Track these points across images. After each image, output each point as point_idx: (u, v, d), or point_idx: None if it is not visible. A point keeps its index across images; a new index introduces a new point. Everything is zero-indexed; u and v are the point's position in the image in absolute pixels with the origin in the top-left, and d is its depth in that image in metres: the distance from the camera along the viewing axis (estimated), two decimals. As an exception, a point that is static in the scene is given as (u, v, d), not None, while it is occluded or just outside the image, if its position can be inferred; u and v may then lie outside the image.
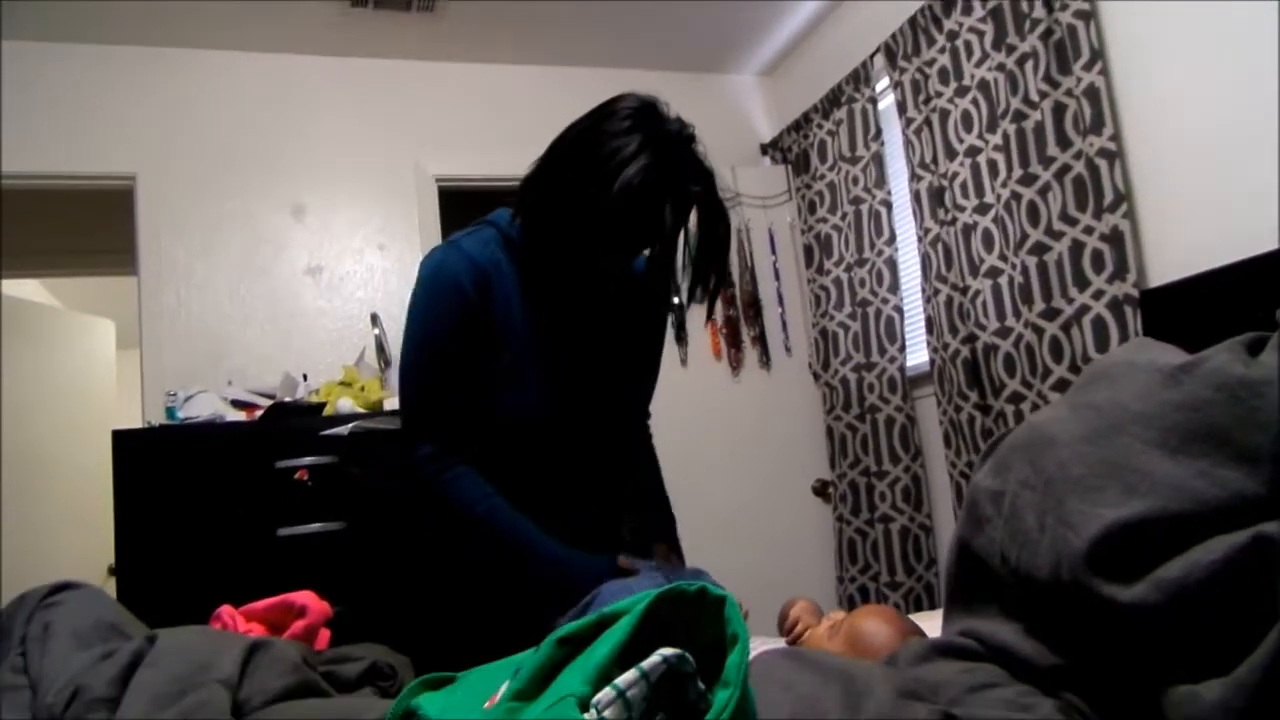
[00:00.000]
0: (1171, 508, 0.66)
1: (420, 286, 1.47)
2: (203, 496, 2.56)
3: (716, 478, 3.46)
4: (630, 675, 0.61)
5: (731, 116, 4.06)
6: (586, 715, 0.59)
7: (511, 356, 1.46)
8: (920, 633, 1.19)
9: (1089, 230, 2.38)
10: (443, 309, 1.44)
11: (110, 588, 2.90)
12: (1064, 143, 2.44)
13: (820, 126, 3.59)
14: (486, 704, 0.69)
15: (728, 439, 3.55)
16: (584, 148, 1.33)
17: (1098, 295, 2.34)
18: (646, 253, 1.43)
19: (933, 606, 3.09)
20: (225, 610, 1.37)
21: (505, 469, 1.48)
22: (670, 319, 3.51)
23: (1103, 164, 2.32)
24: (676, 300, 1.45)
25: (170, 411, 2.87)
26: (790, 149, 3.84)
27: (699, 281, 1.39)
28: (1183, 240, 2.23)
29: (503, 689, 0.68)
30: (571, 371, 1.51)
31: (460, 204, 3.21)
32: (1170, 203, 2.26)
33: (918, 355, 3.22)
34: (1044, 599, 0.73)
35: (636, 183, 1.26)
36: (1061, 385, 2.47)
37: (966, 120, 2.78)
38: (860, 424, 3.37)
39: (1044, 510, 0.73)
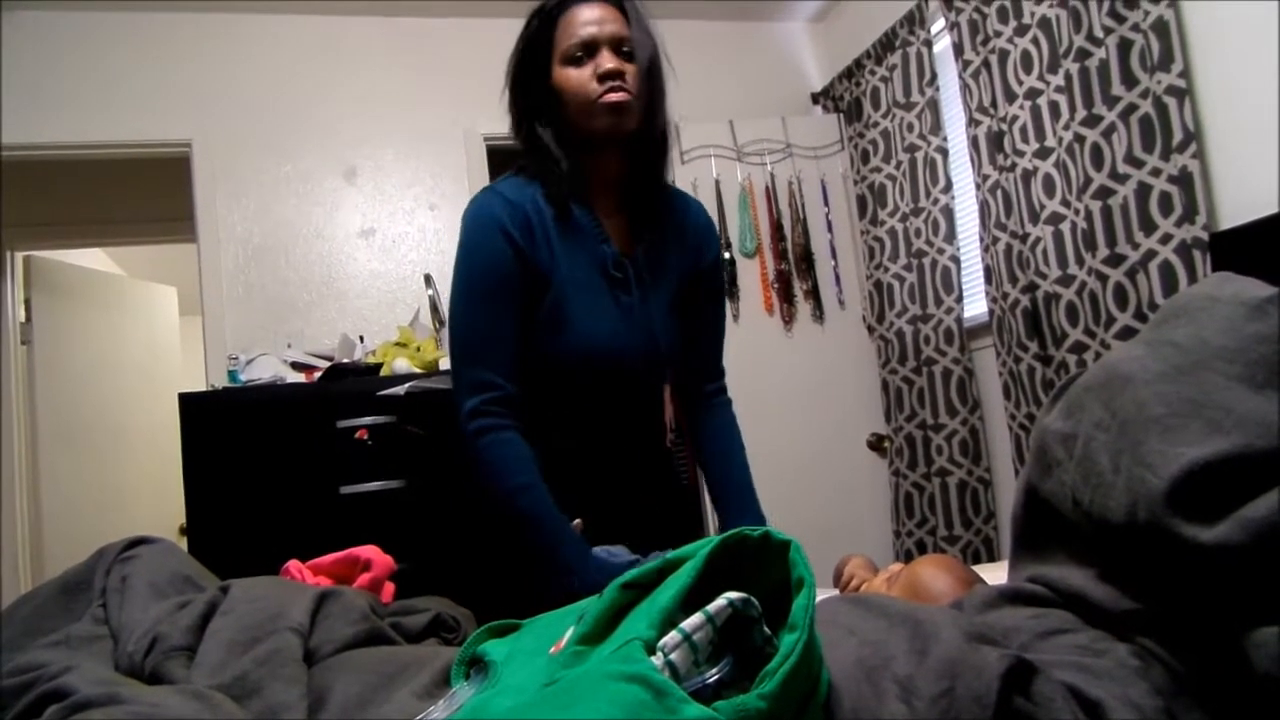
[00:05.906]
0: (1257, 445, 0.63)
1: (463, 234, 1.46)
2: (267, 456, 2.62)
3: (771, 434, 3.44)
4: (696, 619, 0.61)
5: (781, 65, 3.98)
6: (653, 659, 0.59)
7: (553, 296, 1.43)
8: (981, 580, 1.17)
9: (1156, 172, 2.29)
10: (486, 250, 1.42)
11: (182, 547, 2.99)
12: (1130, 81, 2.34)
13: (873, 73, 3.50)
14: (552, 649, 0.70)
15: (781, 394, 3.52)
16: (521, 41, 1.47)
17: (1165, 239, 2.26)
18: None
19: (992, 559, 3.06)
20: (293, 565, 1.40)
21: (553, 408, 1.47)
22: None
23: (1171, 102, 2.23)
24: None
25: (232, 374, 2.93)
26: (842, 97, 3.75)
27: (647, 114, 1.44)
28: (1256, 180, 2.13)
29: (568, 634, 0.69)
30: (613, 308, 1.48)
31: (510, 163, 3.20)
32: (1243, 140, 2.17)
33: (975, 306, 3.16)
34: (1118, 542, 0.71)
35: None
36: (1126, 334, 2.40)
37: (1026, 61, 2.68)
38: (916, 377, 3.32)
39: (1119, 451, 0.70)
